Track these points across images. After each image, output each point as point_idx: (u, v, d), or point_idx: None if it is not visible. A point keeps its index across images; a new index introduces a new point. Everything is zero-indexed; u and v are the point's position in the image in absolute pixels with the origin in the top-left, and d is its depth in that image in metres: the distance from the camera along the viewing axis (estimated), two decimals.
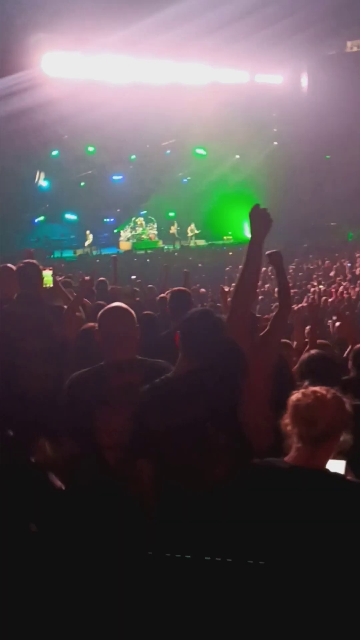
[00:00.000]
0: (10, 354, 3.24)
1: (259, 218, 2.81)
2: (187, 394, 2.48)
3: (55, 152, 20.31)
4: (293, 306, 8.51)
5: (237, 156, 22.97)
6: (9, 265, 4.15)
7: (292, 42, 19.37)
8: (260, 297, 9.39)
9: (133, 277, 11.04)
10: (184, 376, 2.54)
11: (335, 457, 2.12)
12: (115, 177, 21.81)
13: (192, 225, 22.03)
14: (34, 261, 4.04)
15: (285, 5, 17.75)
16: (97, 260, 16.36)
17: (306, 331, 4.94)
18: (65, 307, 4.08)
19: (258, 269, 2.82)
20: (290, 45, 19.61)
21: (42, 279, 4.10)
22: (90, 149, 20.83)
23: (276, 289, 4.55)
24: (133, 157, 21.91)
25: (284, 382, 3.01)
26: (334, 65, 22.07)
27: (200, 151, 22.81)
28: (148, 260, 17.73)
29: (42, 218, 19.80)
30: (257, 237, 2.79)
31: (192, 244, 21.86)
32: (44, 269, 4.31)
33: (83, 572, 2.31)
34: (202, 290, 11.01)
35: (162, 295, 6.38)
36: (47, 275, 4.76)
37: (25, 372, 3.16)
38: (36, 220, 19.84)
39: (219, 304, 7.19)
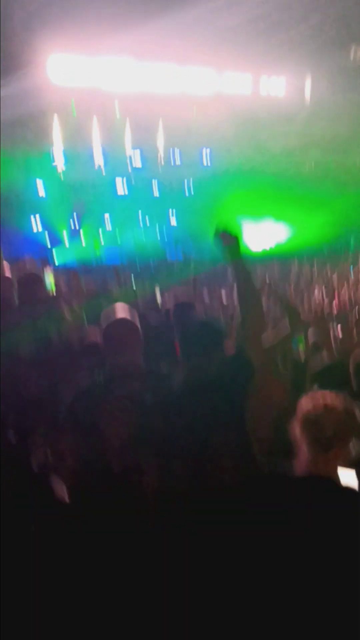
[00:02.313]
0: (13, 362, 3.24)
1: (224, 240, 2.82)
2: (190, 403, 2.48)
3: (55, 158, 20.36)
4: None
5: (240, 165, 23.03)
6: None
7: (296, 50, 19.46)
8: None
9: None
10: (184, 387, 2.55)
11: (345, 466, 2.11)
12: (117, 185, 21.84)
13: None
14: (34, 271, 4.08)
15: (290, 15, 17.83)
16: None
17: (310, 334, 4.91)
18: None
19: (251, 283, 2.82)
20: (294, 53, 19.70)
21: (44, 287, 4.13)
22: (94, 155, 20.90)
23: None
24: (137, 165, 21.98)
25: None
26: (338, 74, 22.19)
27: (202, 159, 22.87)
28: (152, 268, 17.74)
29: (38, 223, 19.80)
30: (232, 256, 2.80)
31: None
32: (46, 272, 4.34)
33: (84, 578, 2.29)
34: (207, 297, 11.00)
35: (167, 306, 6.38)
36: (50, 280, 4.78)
37: (29, 380, 3.15)
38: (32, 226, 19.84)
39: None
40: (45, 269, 5.27)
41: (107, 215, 21.28)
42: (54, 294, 4.96)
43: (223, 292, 9.33)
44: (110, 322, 2.88)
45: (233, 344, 2.76)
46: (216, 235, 2.79)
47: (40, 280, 4.04)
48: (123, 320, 2.87)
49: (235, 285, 2.80)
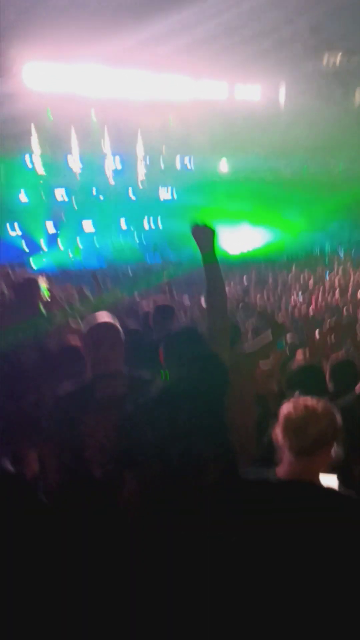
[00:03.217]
0: (5, 367, 3.21)
1: (201, 234, 2.84)
2: (171, 408, 2.48)
3: (33, 164, 20.22)
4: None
5: (218, 170, 23.14)
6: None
7: (270, 58, 19.64)
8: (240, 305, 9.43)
9: None
10: (166, 391, 2.55)
11: (327, 471, 2.12)
12: (95, 190, 21.78)
13: None
14: (32, 276, 4.06)
15: (263, 23, 18.01)
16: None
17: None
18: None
19: (221, 280, 2.84)
20: (268, 61, 19.89)
21: (40, 292, 4.12)
22: (70, 161, 20.82)
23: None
24: (115, 169, 21.94)
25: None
26: (311, 81, 22.49)
27: (180, 164, 22.93)
28: (130, 272, 17.70)
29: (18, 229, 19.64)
30: (206, 250, 2.82)
31: None
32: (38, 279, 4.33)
33: (69, 582, 2.28)
34: (187, 302, 11.00)
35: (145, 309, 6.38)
36: (43, 286, 4.75)
37: (21, 385, 3.13)
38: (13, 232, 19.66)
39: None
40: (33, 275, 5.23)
41: (86, 220, 21.21)
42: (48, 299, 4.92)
43: (202, 296, 9.35)
44: (93, 325, 2.88)
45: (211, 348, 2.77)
46: (193, 230, 2.81)
47: (37, 284, 4.04)
48: (105, 324, 2.88)
49: (206, 285, 2.82)
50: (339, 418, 2.10)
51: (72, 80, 19.44)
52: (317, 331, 6.97)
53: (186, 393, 2.52)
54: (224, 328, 2.79)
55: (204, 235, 2.81)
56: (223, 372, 2.61)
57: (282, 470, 2.10)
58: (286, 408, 2.11)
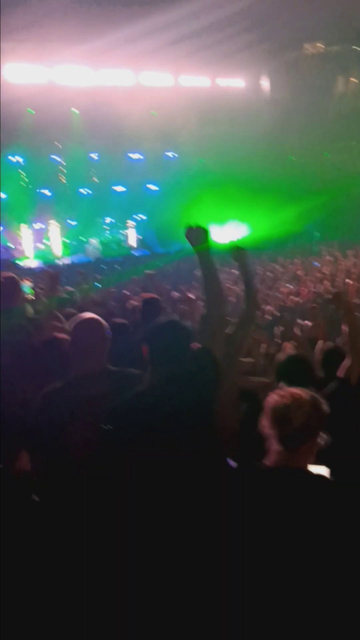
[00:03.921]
0: None
1: (194, 235, 2.83)
2: (157, 404, 2.47)
3: (16, 160, 20.10)
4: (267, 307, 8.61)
5: (202, 160, 23.11)
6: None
7: (251, 47, 19.62)
8: (233, 300, 9.40)
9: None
10: (153, 387, 2.53)
11: (315, 460, 2.12)
12: (80, 184, 21.70)
13: None
14: (12, 274, 4.01)
15: (242, 13, 17.97)
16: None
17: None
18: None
19: (216, 277, 2.84)
20: (250, 50, 19.87)
21: (21, 290, 4.09)
22: (54, 157, 20.73)
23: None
24: (96, 161, 21.86)
25: None
26: (294, 69, 22.53)
27: (165, 155, 22.89)
28: (118, 266, 17.66)
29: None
30: (200, 248, 2.82)
31: None
32: (23, 281, 4.28)
33: (56, 583, 2.27)
34: (174, 293, 11.01)
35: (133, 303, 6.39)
36: (27, 287, 4.72)
37: (6, 383, 3.10)
38: None
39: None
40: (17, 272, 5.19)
41: (71, 215, 21.13)
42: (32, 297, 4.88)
43: (183, 287, 9.34)
44: (78, 322, 2.86)
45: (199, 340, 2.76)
46: (187, 233, 2.81)
47: (18, 283, 4.00)
48: (90, 320, 2.86)
49: (203, 281, 2.82)
50: (325, 407, 2.11)
51: (54, 77, 19.43)
52: (305, 321, 7.01)
53: (172, 388, 2.50)
54: (221, 317, 2.78)
55: (198, 236, 2.82)
56: (212, 365, 2.59)
57: (270, 460, 2.10)
58: (272, 398, 2.12)
